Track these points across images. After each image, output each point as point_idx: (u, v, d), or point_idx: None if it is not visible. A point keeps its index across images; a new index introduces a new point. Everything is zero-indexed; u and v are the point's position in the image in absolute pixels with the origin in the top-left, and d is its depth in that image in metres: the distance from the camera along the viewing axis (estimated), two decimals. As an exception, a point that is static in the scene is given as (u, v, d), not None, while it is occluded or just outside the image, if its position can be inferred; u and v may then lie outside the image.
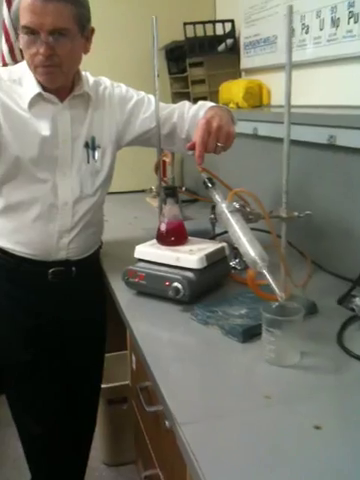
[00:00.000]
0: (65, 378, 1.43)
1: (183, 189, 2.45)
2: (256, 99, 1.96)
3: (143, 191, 2.40)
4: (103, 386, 1.75)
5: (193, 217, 1.98)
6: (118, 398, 1.93)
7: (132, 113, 1.39)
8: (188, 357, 0.94)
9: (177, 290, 1.09)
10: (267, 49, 1.92)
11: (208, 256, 1.14)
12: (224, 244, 1.21)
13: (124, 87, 1.42)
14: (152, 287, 1.15)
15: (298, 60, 1.65)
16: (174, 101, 1.96)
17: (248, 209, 1.07)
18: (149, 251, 1.19)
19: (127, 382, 1.88)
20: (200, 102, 1.43)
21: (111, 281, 1.32)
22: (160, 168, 1.32)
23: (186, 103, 1.45)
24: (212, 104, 1.39)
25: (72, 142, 1.28)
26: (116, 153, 1.41)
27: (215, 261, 1.16)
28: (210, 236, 1.36)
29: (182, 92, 2.37)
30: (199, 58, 2.18)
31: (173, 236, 1.20)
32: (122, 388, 1.89)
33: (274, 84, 1.95)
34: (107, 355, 1.65)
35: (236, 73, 2.20)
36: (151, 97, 1.44)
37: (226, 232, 1.34)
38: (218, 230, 1.56)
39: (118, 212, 2.10)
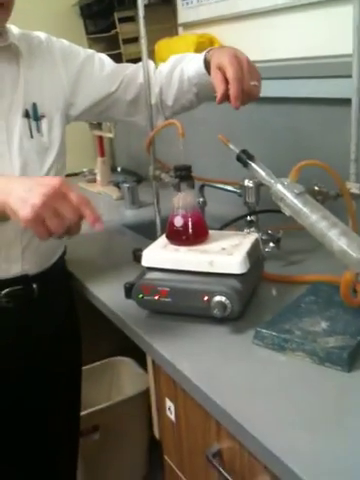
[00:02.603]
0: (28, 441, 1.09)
1: (118, 169, 2.12)
2: (209, 57, 1.68)
3: (75, 175, 2.03)
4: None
5: (149, 201, 1.67)
6: (87, 428, 1.60)
7: (82, 72, 1.06)
8: (287, 405, 0.66)
9: (223, 306, 0.80)
10: (216, -3, 1.63)
11: (249, 255, 0.86)
12: (256, 236, 0.93)
13: (66, 42, 1.08)
14: (181, 305, 0.85)
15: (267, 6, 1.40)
16: (93, 47, 1.61)
17: (316, 187, 0.80)
18: (165, 256, 0.88)
19: (99, 407, 1.58)
20: (174, 57, 1.13)
21: (104, 299, 0.99)
22: (153, 146, 0.99)
23: (150, 62, 1.14)
24: (193, 54, 1.09)
25: (6, 111, 0.94)
26: (65, 128, 1.07)
27: (253, 260, 0.89)
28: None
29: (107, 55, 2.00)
30: (129, 12, 1.83)
31: (193, 232, 0.89)
32: (91, 415, 1.57)
33: (226, 38, 1.68)
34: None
35: (172, 29, 1.89)
36: (103, 56, 1.12)
37: (243, 217, 1.08)
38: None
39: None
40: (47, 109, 1.00)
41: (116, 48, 1.89)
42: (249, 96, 0.89)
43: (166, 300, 0.85)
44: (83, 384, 1.33)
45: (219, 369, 0.74)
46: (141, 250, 1.15)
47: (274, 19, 1.42)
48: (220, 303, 0.80)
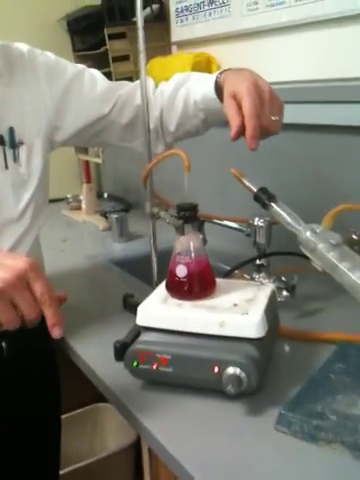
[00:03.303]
0: None
1: (105, 196, 1.98)
2: (206, 77, 1.56)
3: (59, 200, 1.87)
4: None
5: (140, 233, 1.52)
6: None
7: (69, 91, 0.91)
8: None
9: (237, 380, 0.65)
10: (214, 14, 1.51)
11: (266, 313, 0.71)
12: (273, 287, 0.79)
13: (52, 55, 0.93)
14: (185, 377, 0.69)
15: (272, 24, 1.28)
16: None
17: (354, 236, 0.66)
18: (166, 313, 0.72)
19: (80, 465, 1.41)
20: (177, 76, 0.99)
21: (88, 361, 0.83)
22: (150, 179, 0.85)
23: (149, 80, 1.00)
24: (201, 74, 0.96)
25: None
26: (49, 155, 0.92)
27: (270, 318, 0.74)
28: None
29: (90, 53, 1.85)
30: (120, 28, 1.70)
31: (199, 284, 0.75)
32: (71, 473, 1.40)
33: (225, 59, 1.56)
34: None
35: (165, 47, 1.76)
36: (94, 72, 0.97)
37: (252, 261, 0.93)
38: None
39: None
40: (26, 134, 0.86)
41: (105, 66, 1.76)
42: (267, 132, 0.75)
43: (166, 370, 0.69)
44: (62, 435, 1.17)
45: (234, 465, 0.59)
46: (133, 296, 1.00)
47: (279, 38, 1.30)
48: (234, 377, 0.65)
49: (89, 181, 1.70)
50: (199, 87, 0.89)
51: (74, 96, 0.92)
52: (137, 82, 0.97)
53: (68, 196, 1.83)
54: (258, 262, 0.93)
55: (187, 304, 0.73)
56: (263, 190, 0.68)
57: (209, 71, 1.55)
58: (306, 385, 0.68)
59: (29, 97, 0.87)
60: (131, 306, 0.95)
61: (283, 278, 0.91)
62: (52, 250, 1.39)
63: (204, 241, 1.10)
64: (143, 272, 1.10)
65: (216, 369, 0.67)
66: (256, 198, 0.68)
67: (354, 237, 0.67)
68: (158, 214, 0.80)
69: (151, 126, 0.95)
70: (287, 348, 0.82)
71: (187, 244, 0.75)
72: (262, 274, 0.93)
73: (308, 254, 0.62)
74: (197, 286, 0.74)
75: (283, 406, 0.63)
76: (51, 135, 0.91)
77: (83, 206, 1.71)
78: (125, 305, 0.98)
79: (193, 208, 0.73)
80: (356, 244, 0.66)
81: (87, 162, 1.71)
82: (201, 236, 1.09)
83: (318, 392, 0.66)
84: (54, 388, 1.04)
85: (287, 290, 0.90)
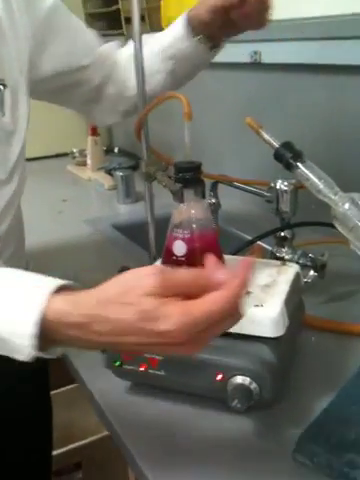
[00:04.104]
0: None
1: (115, 150, 1.81)
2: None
3: (62, 155, 1.72)
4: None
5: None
6: (68, 466, 1.33)
7: (51, 20, 0.76)
8: None
9: (247, 393, 0.51)
10: None
11: (287, 304, 0.56)
12: (297, 269, 0.63)
13: None
14: (180, 382, 0.55)
15: None
16: (92, 26, 1.25)
17: None
18: (159, 302, 0.58)
19: (82, 442, 1.32)
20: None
21: (68, 353, 0.69)
22: (145, 129, 0.68)
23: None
24: None
25: None
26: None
27: (292, 309, 0.58)
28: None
29: (102, 12, 1.67)
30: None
31: (202, 265, 0.59)
32: (73, 451, 1.31)
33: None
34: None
35: (182, -20, 1.55)
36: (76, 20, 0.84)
37: (274, 232, 0.77)
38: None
39: (35, 193, 1.41)
40: (7, 72, 0.69)
41: (117, 28, 1.58)
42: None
43: (157, 373, 0.55)
44: (65, 409, 1.07)
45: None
46: (130, 269, 0.85)
47: None
48: (242, 388, 0.50)
49: (94, 133, 1.53)
50: (165, 33, 0.78)
51: (56, 27, 0.77)
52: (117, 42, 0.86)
53: (74, 150, 1.67)
54: (281, 234, 0.77)
55: (187, 289, 0.58)
56: (287, 145, 0.51)
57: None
58: (336, 399, 0.53)
59: (7, 32, 0.70)
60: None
61: (310, 254, 0.75)
62: (49, 211, 1.25)
63: (218, 206, 0.94)
64: (147, 239, 0.96)
65: (220, 376, 0.52)
66: (277, 156, 0.51)
67: None
68: (154, 175, 0.64)
69: (112, 91, 0.84)
70: (312, 343, 0.66)
71: (187, 214, 0.59)
72: (285, 249, 0.77)
73: (344, 232, 0.46)
74: (199, 267, 0.59)
75: (305, 430, 0.49)
76: (32, 72, 0.75)
77: (88, 162, 1.55)
78: (121, 280, 0.84)
79: (195, 168, 0.57)
80: None
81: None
82: (214, 200, 0.94)
83: (351, 410, 0.51)
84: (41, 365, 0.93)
85: (315, 269, 0.74)
